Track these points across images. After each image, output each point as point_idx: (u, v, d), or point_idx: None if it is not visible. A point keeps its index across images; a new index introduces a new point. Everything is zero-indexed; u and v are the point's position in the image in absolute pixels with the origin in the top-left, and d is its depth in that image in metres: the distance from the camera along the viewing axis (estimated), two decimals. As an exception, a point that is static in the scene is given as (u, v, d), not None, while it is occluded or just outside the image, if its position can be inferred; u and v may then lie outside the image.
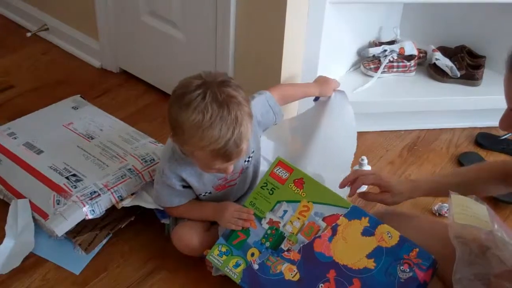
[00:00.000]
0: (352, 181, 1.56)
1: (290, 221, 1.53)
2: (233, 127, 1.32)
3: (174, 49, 2.19)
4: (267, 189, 1.58)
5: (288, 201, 1.55)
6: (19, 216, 1.69)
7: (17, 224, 1.68)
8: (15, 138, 1.89)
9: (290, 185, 1.57)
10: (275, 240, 1.53)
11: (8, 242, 1.67)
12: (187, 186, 1.60)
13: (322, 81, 1.84)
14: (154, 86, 2.38)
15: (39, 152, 1.83)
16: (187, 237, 1.62)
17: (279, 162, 1.60)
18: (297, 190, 1.56)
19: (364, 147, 2.14)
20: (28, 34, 2.62)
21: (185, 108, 1.33)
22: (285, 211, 1.55)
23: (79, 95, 2.16)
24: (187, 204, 1.64)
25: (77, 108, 2.07)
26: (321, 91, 1.82)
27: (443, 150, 2.19)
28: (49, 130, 1.93)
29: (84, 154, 1.84)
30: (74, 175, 1.75)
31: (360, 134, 2.20)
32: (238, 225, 1.55)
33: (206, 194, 1.64)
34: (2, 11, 2.84)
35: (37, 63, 2.54)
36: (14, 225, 1.69)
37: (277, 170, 1.59)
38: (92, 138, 1.91)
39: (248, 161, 1.62)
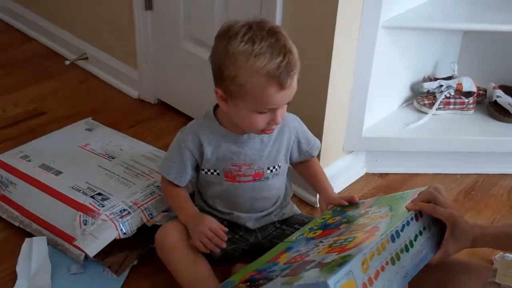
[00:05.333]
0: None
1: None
2: (284, 52, 1.30)
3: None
4: None
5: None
6: (33, 255, 1.55)
7: (31, 265, 1.53)
8: (29, 161, 1.75)
9: None
10: None
11: (20, 285, 1.50)
12: (195, 167, 1.51)
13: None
14: (192, 119, 2.25)
15: (58, 173, 1.71)
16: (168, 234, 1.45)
17: None
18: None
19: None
20: (67, 63, 2.56)
21: (233, 38, 1.31)
22: None
23: (91, 118, 2.07)
24: (177, 188, 1.52)
25: (91, 130, 1.96)
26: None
27: (504, 196, 1.98)
28: (64, 151, 1.81)
29: (107, 173, 1.71)
30: (99, 193, 1.62)
31: (412, 176, 2.04)
32: (203, 248, 1.40)
33: (213, 173, 1.50)
34: (41, 39, 2.80)
35: (73, 91, 2.46)
36: (27, 265, 1.53)
37: None
38: (113, 158, 1.78)
39: (271, 170, 1.51)
